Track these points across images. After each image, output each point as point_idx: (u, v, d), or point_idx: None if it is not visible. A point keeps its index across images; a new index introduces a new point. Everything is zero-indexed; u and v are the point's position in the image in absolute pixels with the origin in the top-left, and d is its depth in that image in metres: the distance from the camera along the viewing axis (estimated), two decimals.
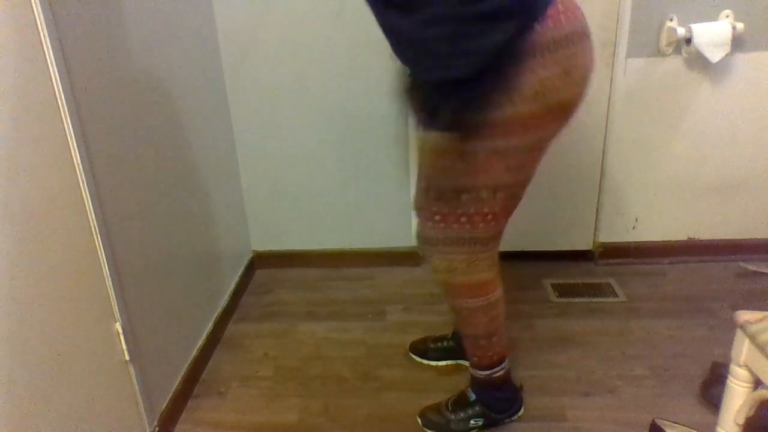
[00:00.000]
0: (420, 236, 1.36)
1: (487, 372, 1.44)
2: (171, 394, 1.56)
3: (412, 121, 1.98)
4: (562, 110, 1.17)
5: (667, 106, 1.99)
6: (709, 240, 2.17)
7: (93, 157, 1.21)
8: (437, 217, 1.28)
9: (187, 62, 1.73)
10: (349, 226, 2.26)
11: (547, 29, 1.08)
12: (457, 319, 1.44)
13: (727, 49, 1.83)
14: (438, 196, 1.26)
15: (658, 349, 1.73)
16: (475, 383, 1.49)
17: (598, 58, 1.94)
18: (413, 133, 2.08)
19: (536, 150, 1.22)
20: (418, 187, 1.38)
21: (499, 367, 1.44)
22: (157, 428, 1.46)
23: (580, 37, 1.14)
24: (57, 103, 1.11)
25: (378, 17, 1.15)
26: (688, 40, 1.84)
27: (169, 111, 1.60)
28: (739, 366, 1.09)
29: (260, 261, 2.33)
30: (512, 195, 1.26)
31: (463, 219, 1.26)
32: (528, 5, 1.07)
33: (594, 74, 1.20)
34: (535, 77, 1.10)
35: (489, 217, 1.26)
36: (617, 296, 2.01)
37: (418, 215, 1.36)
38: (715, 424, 1.17)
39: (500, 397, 1.49)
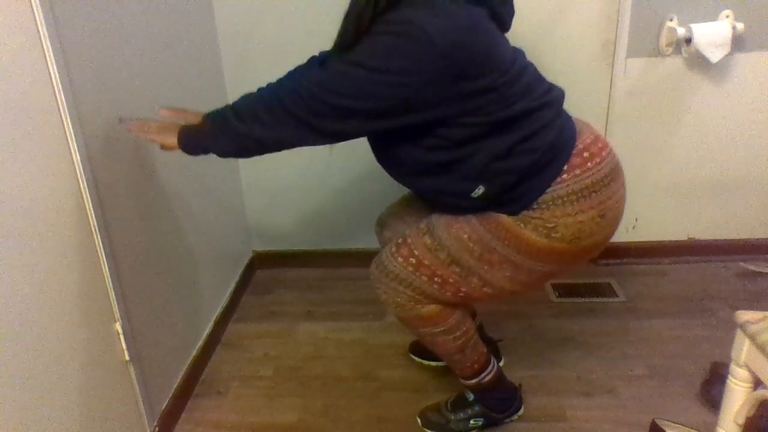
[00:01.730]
0: (380, 263, 1.31)
1: (474, 380, 1.44)
2: (171, 394, 1.56)
3: None
4: (594, 249, 1.21)
5: (667, 106, 1.99)
6: (709, 240, 2.17)
7: (93, 157, 1.21)
8: (413, 260, 1.25)
9: (187, 62, 1.73)
10: (349, 226, 2.26)
11: (575, 179, 1.13)
12: (422, 341, 1.43)
13: (727, 49, 1.83)
14: (432, 247, 1.23)
15: (658, 349, 1.73)
16: (470, 388, 1.49)
17: (598, 58, 1.94)
18: None
19: (551, 276, 1.25)
20: (400, 210, 1.39)
21: (485, 373, 1.43)
22: (157, 428, 1.46)
23: (611, 178, 1.18)
24: (57, 103, 1.11)
25: (409, 184, 1.26)
26: (688, 40, 1.84)
27: None
28: (739, 366, 1.09)
29: (260, 261, 2.33)
30: (495, 295, 1.26)
31: (437, 279, 1.24)
32: (545, 162, 1.13)
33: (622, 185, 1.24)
34: (573, 222, 1.14)
35: (461, 294, 1.26)
36: (617, 296, 2.01)
37: (386, 237, 1.34)
38: (715, 424, 1.17)
39: (498, 397, 1.49)
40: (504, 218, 1.18)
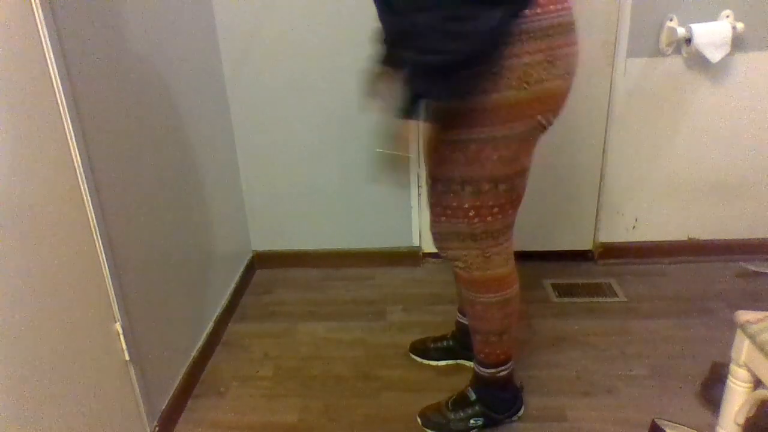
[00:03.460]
0: (434, 233, 1.36)
1: (492, 370, 1.44)
2: (171, 394, 1.56)
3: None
4: (547, 100, 1.17)
5: (667, 106, 2.00)
6: (709, 240, 2.17)
7: (93, 157, 1.21)
8: (448, 212, 1.29)
9: (187, 62, 1.73)
10: (349, 226, 2.26)
11: (534, 16, 1.09)
12: (471, 313, 1.43)
13: (727, 49, 1.83)
14: (444, 189, 1.27)
15: (658, 349, 1.73)
16: (477, 381, 1.48)
17: (598, 58, 1.94)
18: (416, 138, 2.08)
19: (527, 141, 1.21)
20: (427, 184, 1.39)
21: (504, 367, 1.44)
22: (157, 428, 1.46)
23: (566, 28, 1.14)
24: (57, 103, 1.11)
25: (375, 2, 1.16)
26: (688, 40, 1.84)
27: (169, 111, 1.60)
28: (739, 366, 1.09)
29: (260, 261, 2.33)
30: (512, 187, 1.26)
31: (471, 213, 1.26)
32: None
33: (579, 68, 1.19)
34: (519, 62, 1.10)
35: (495, 209, 1.27)
36: (617, 296, 2.01)
37: (431, 212, 1.37)
38: (715, 424, 1.17)
39: (501, 397, 1.49)
40: (457, 108, 1.15)
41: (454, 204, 1.27)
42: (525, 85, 1.12)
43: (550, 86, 1.15)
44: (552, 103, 1.19)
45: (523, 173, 1.27)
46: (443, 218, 1.31)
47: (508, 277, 1.36)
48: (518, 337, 1.81)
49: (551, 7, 1.10)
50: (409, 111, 1.14)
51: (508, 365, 1.45)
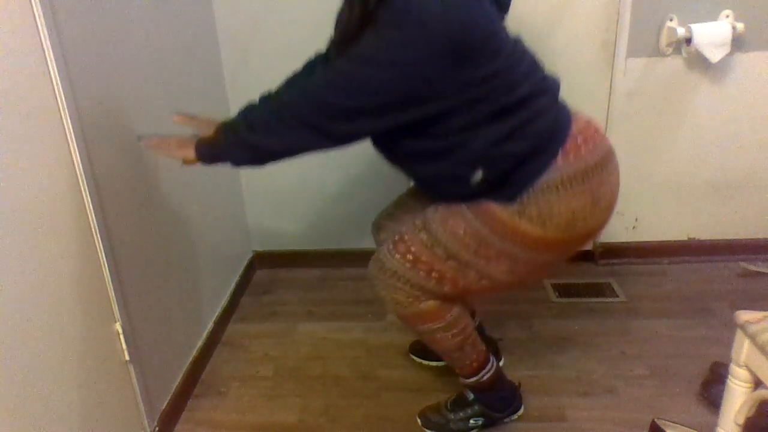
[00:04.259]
0: (378, 261, 1.31)
1: (474, 378, 1.44)
2: (171, 394, 1.56)
3: None
4: (588, 235, 1.21)
5: (667, 106, 1.99)
6: (709, 240, 2.17)
7: (93, 157, 1.21)
8: (410, 256, 1.25)
9: (187, 62, 1.73)
10: (349, 226, 2.26)
11: (568, 163, 1.13)
12: (421, 339, 1.43)
13: (727, 49, 1.83)
14: (429, 243, 1.23)
15: (658, 349, 1.73)
16: (470, 387, 1.49)
17: (598, 58, 1.94)
18: None
19: (548, 265, 1.25)
20: (395, 211, 1.39)
21: (484, 371, 1.44)
22: (157, 428, 1.46)
23: (604, 163, 1.18)
24: (57, 103, 1.11)
25: (407, 170, 1.27)
26: (688, 40, 1.84)
27: (169, 111, 1.60)
28: (739, 366, 1.09)
29: (260, 261, 2.33)
30: (494, 288, 1.26)
31: (434, 274, 1.24)
32: (542, 146, 1.13)
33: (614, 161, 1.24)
34: (566, 208, 1.14)
35: (459, 287, 1.26)
36: (617, 296, 2.01)
37: (383, 237, 1.34)
38: (715, 424, 1.17)
39: (498, 396, 1.49)
40: (499, 211, 1.17)
41: (424, 259, 1.24)
42: (571, 228, 1.17)
43: (592, 225, 1.19)
44: (588, 238, 1.23)
45: (512, 285, 1.27)
46: (398, 256, 1.26)
47: (441, 307, 1.31)
48: (518, 337, 1.82)
49: (582, 149, 1.15)
50: (208, 162, 1.21)
51: (487, 368, 1.44)
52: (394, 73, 1.01)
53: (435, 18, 0.97)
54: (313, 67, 1.37)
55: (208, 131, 1.22)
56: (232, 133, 1.17)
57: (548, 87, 1.16)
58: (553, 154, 1.14)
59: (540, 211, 1.15)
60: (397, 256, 1.27)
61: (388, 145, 1.22)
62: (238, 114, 1.20)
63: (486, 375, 1.44)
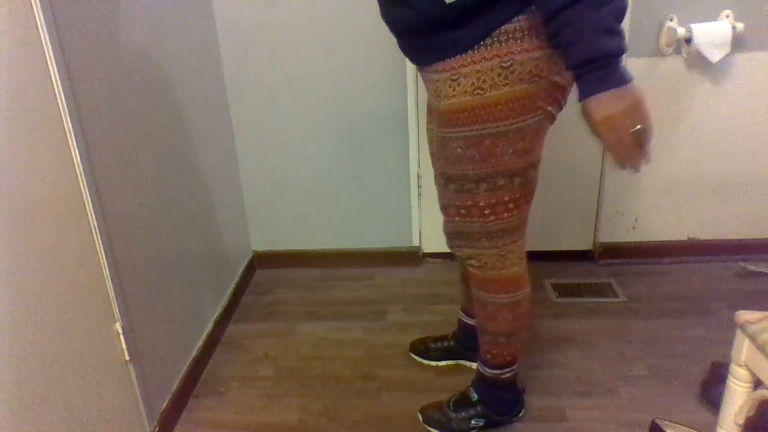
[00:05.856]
0: (448, 233, 1.36)
1: (497, 371, 1.44)
2: (171, 394, 1.56)
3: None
4: (555, 92, 1.17)
5: (667, 106, 1.99)
6: (709, 240, 2.17)
7: (93, 157, 1.21)
8: (462, 211, 1.28)
9: (187, 62, 1.73)
10: (349, 226, 2.26)
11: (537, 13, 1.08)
12: (482, 313, 1.42)
13: (727, 49, 1.83)
14: (458, 188, 1.26)
15: (658, 349, 1.73)
16: (480, 382, 1.48)
17: None
18: (416, 138, 2.08)
19: (539, 131, 1.21)
20: (438, 185, 1.39)
21: (510, 369, 1.44)
22: (157, 428, 1.46)
23: None
24: (57, 103, 1.11)
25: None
26: (688, 40, 1.84)
27: (169, 111, 1.60)
28: (739, 366, 1.09)
29: (260, 261, 2.33)
30: (527, 179, 1.26)
31: (486, 211, 1.26)
32: None
33: None
34: (530, 57, 1.11)
35: (511, 205, 1.26)
36: (617, 296, 2.01)
37: (444, 212, 1.36)
38: (715, 424, 1.17)
39: (503, 399, 1.49)
40: (462, 101, 1.15)
41: (469, 203, 1.26)
42: (536, 79, 1.13)
43: (558, 79, 1.15)
44: (559, 95, 1.19)
45: (536, 165, 1.26)
46: (457, 218, 1.30)
47: (521, 278, 1.36)
48: None
49: None
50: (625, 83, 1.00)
51: (513, 367, 1.45)
52: None
53: None
54: None
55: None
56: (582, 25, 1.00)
57: None
58: None
59: (501, 62, 1.10)
60: (455, 219, 1.30)
61: None
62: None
63: (508, 373, 1.44)
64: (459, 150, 1.22)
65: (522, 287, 1.37)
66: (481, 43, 1.12)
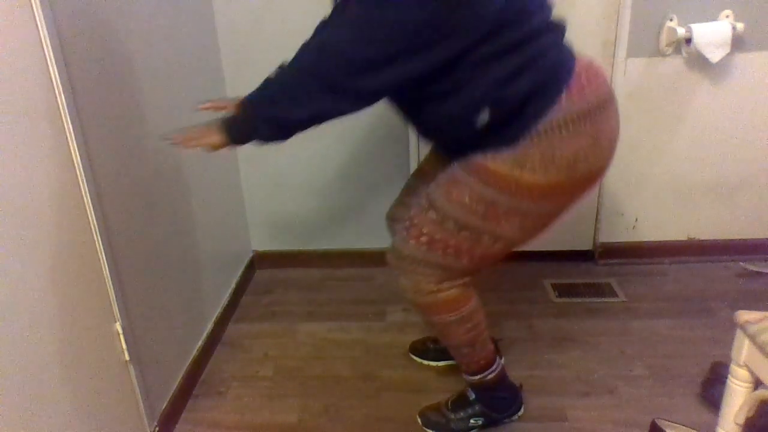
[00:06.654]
0: (394, 249, 1.32)
1: (479, 376, 1.44)
2: (171, 394, 1.56)
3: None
4: (591, 179, 1.20)
5: (667, 106, 1.99)
6: (709, 240, 2.17)
7: (93, 157, 1.21)
8: (424, 238, 1.25)
9: (187, 62, 1.73)
10: (349, 226, 2.26)
11: (572, 102, 1.12)
12: (434, 332, 1.43)
13: (727, 49, 1.83)
14: (439, 221, 1.23)
15: (658, 349, 1.73)
16: (472, 385, 1.49)
17: (598, 58, 1.94)
18: (416, 138, 2.08)
19: (556, 215, 1.24)
20: (405, 199, 1.38)
21: (490, 370, 1.44)
22: (157, 428, 1.46)
23: (606, 104, 1.17)
24: (57, 103, 1.11)
25: (413, 112, 1.24)
26: (688, 40, 1.84)
27: (168, 110, 1.60)
28: (739, 366, 1.09)
29: (260, 261, 2.33)
30: (509, 248, 1.26)
31: (450, 250, 1.24)
32: (547, 83, 1.12)
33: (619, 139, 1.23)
34: (568, 149, 1.14)
35: (477, 258, 1.25)
36: (617, 296, 2.01)
37: (398, 227, 1.33)
38: (715, 424, 1.17)
39: (499, 397, 1.49)
40: (499, 167, 1.16)
41: (438, 237, 1.24)
42: (573, 169, 1.15)
43: (595, 165, 1.18)
44: (593, 180, 1.21)
45: (528, 241, 1.26)
46: (413, 242, 1.27)
47: (460, 298, 1.32)
48: (518, 337, 1.82)
49: (585, 89, 1.14)
50: (238, 142, 1.18)
51: (493, 367, 1.44)
52: (409, 13, 0.98)
53: None
54: (322, 30, 1.35)
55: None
56: (253, 108, 1.15)
57: (555, 26, 1.16)
58: (558, 92, 1.12)
59: (542, 154, 1.13)
60: (412, 241, 1.27)
61: (400, 89, 1.18)
62: (257, 89, 1.17)
63: (491, 374, 1.44)
64: (466, 196, 1.20)
65: (462, 305, 1.32)
66: (521, 137, 1.15)
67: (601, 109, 1.16)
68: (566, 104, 1.12)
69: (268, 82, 1.17)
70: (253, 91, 1.18)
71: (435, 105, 1.16)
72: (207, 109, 1.26)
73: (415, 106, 1.22)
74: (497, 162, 1.17)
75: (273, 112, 1.13)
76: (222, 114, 1.21)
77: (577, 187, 1.20)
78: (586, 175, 1.18)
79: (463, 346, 1.39)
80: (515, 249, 1.27)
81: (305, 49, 1.18)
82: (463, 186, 1.21)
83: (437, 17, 1.00)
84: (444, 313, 1.33)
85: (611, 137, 1.20)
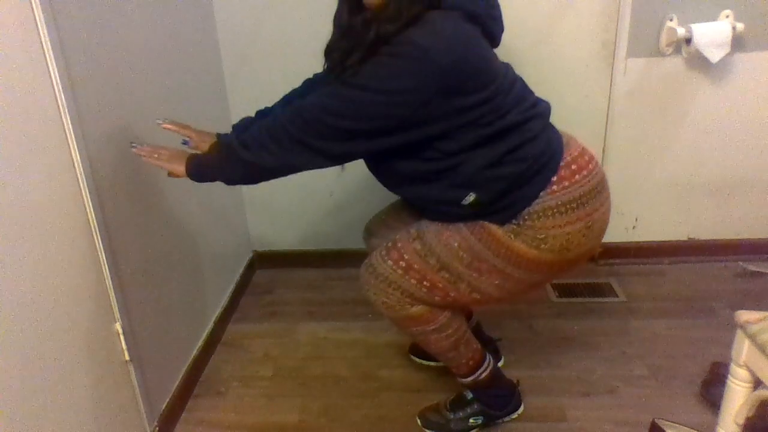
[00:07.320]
0: (371, 266, 1.32)
1: (471, 377, 1.44)
2: (171, 394, 1.56)
3: None
4: (576, 261, 1.24)
5: (667, 106, 1.99)
6: (709, 240, 2.17)
7: (93, 157, 1.21)
8: (402, 263, 1.26)
9: (187, 62, 1.73)
10: (349, 226, 2.26)
11: (564, 189, 1.17)
12: (416, 340, 1.43)
13: (727, 49, 1.83)
14: (422, 253, 1.24)
15: (658, 349, 1.73)
16: (468, 386, 1.49)
17: (598, 58, 1.94)
18: None
19: (538, 285, 1.29)
20: (388, 218, 1.40)
21: (480, 370, 1.44)
22: (157, 428, 1.46)
23: (599, 191, 1.22)
24: (57, 103, 1.11)
25: (400, 192, 1.31)
26: (688, 40, 1.84)
27: (168, 110, 1.60)
28: (739, 366, 1.09)
29: (260, 261, 2.33)
30: (482, 301, 1.28)
31: (426, 283, 1.25)
32: (536, 170, 1.17)
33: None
34: (562, 232, 1.18)
35: (450, 298, 1.27)
36: (617, 296, 2.01)
37: (375, 243, 1.36)
38: (715, 424, 1.17)
39: (496, 395, 1.49)
40: (495, 229, 1.20)
41: (416, 267, 1.25)
42: (565, 252, 1.19)
43: (584, 249, 1.22)
44: (580, 262, 1.26)
45: (501, 300, 1.29)
46: (391, 263, 1.27)
47: (432, 311, 1.31)
48: (518, 337, 1.82)
49: (576, 177, 1.19)
50: (198, 180, 1.24)
51: (483, 366, 1.44)
52: (389, 99, 1.05)
53: (429, 52, 1.02)
54: (311, 86, 1.41)
55: (199, 141, 1.26)
56: (225, 151, 1.19)
57: (539, 112, 1.20)
58: (547, 178, 1.17)
59: (535, 233, 1.18)
60: (390, 262, 1.28)
61: (382, 168, 1.25)
62: (233, 130, 1.23)
63: (483, 373, 1.44)
64: (456, 244, 1.22)
65: (435, 317, 1.32)
66: (512, 219, 1.19)
67: (594, 195, 1.20)
68: (558, 190, 1.17)
69: (244, 125, 1.23)
70: (228, 133, 1.24)
71: (420, 187, 1.21)
72: (167, 128, 1.30)
73: (401, 186, 1.27)
74: (494, 224, 1.20)
75: (244, 155, 1.16)
76: (179, 136, 1.28)
77: (564, 266, 1.24)
78: (574, 257, 1.22)
79: (447, 351, 1.39)
80: (486, 304, 1.30)
81: (288, 102, 1.27)
82: (455, 231, 1.23)
83: (413, 108, 1.06)
84: (420, 325, 1.33)
85: (602, 223, 1.24)
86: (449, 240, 1.23)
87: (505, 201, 1.18)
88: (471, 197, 1.17)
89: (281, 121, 1.13)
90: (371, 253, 1.35)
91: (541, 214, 1.17)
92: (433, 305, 1.29)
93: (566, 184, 1.17)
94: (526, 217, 1.17)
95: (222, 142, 1.22)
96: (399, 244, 1.28)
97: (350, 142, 1.11)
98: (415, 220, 1.32)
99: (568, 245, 1.19)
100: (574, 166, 1.19)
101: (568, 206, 1.17)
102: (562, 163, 1.19)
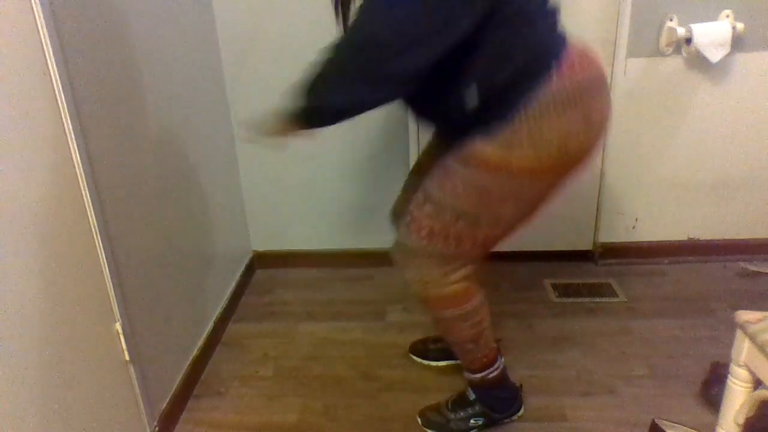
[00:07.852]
0: (398, 244, 1.33)
1: (481, 374, 1.44)
2: (171, 394, 1.56)
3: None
4: (581, 158, 1.20)
5: (667, 106, 1.99)
6: (709, 240, 2.17)
7: (93, 157, 1.21)
8: (424, 231, 1.26)
9: (187, 62, 1.73)
10: (349, 226, 2.26)
11: (563, 81, 1.13)
12: (438, 328, 1.43)
13: (727, 49, 1.83)
14: (435, 212, 1.25)
15: (658, 349, 1.73)
16: (473, 384, 1.49)
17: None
18: (416, 138, 2.08)
19: (550, 194, 1.24)
20: (407, 195, 1.38)
21: (492, 368, 1.44)
22: (157, 428, 1.46)
23: (597, 85, 1.18)
24: (57, 103, 1.11)
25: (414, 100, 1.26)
26: (688, 40, 1.84)
27: (168, 110, 1.60)
28: (739, 366, 1.09)
29: (260, 261, 2.33)
30: (510, 230, 1.27)
31: (451, 239, 1.25)
32: (537, 62, 1.13)
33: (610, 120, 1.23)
34: (559, 128, 1.14)
35: (479, 242, 1.26)
36: (617, 296, 2.01)
37: (400, 222, 1.34)
38: (715, 424, 1.17)
39: (499, 397, 1.49)
40: (488, 152, 1.17)
41: (437, 228, 1.25)
42: (564, 147, 1.16)
43: (585, 143, 1.18)
44: (583, 159, 1.21)
45: (527, 220, 1.27)
46: (414, 235, 1.28)
47: (466, 293, 1.33)
48: (518, 337, 1.82)
49: (576, 67, 1.14)
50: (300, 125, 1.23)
51: (495, 365, 1.44)
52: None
53: None
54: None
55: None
56: (297, 104, 1.18)
57: (548, 9, 1.18)
58: (548, 70, 1.12)
59: (532, 134, 1.14)
60: (413, 235, 1.29)
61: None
62: (298, 86, 1.20)
63: (493, 373, 1.44)
64: (460, 185, 1.21)
65: (468, 300, 1.33)
66: (510, 117, 1.15)
67: (593, 89, 1.16)
68: (557, 83, 1.12)
69: (304, 80, 1.19)
70: (295, 88, 1.21)
71: (427, 84, 1.14)
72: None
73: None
74: (487, 148, 1.17)
75: (314, 103, 1.16)
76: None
77: (568, 167, 1.20)
78: (576, 155, 1.18)
79: (467, 342, 1.40)
80: (516, 229, 1.28)
81: (337, 44, 1.18)
82: (455, 176, 1.22)
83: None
84: (450, 308, 1.34)
85: (602, 116, 1.19)
86: (452, 188, 1.22)
87: (505, 96, 1.14)
88: (474, 95, 1.13)
89: (337, 59, 1.11)
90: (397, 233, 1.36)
91: (538, 107, 1.13)
92: (468, 259, 1.29)
93: (565, 78, 1.13)
94: (522, 115, 1.14)
95: (293, 99, 1.20)
96: (414, 215, 1.29)
97: (409, 55, 1.04)
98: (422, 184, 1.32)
99: (566, 140, 1.15)
100: (575, 61, 1.15)
101: (565, 101, 1.13)
102: (563, 54, 1.15)
